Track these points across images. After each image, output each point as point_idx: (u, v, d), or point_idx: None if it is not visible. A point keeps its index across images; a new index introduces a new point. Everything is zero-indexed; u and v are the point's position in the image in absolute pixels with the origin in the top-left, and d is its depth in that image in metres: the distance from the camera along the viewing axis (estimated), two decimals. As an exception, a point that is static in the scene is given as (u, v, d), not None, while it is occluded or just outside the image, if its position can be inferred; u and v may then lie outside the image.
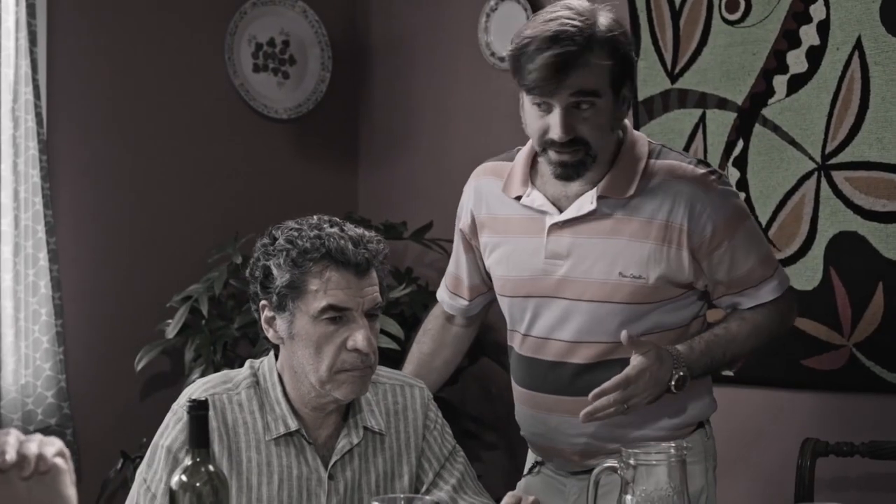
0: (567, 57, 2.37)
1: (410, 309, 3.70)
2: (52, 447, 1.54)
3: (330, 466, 2.31)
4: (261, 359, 2.41)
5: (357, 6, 4.34)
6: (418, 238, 3.79)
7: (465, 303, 2.80)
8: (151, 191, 3.98)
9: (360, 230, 2.31)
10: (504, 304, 2.67)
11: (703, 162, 2.56)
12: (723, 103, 3.30)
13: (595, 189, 2.48)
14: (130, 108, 3.96)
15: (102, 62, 3.91)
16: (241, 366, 2.46)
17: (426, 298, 3.61)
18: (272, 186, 4.17)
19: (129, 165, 3.95)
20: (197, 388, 2.35)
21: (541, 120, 2.43)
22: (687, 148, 3.34)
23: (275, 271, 2.29)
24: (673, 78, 3.39)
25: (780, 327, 2.60)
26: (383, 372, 2.45)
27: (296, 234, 2.29)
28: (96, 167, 3.89)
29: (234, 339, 3.77)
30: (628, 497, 2.08)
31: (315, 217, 2.34)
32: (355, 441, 2.33)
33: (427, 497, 2.10)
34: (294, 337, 2.29)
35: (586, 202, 2.49)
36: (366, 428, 2.35)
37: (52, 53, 3.79)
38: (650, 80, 3.43)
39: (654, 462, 2.04)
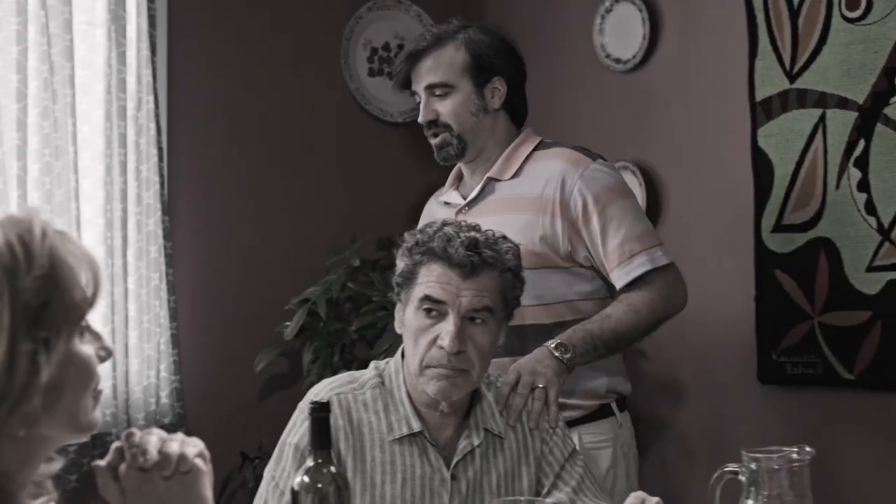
0: (419, 51, 2.85)
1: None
2: (193, 448, 1.56)
3: (452, 466, 2.33)
4: (386, 360, 2.44)
5: (471, 9, 4.35)
6: (534, 240, 3.78)
7: None
8: (268, 195, 4.03)
9: (485, 237, 2.34)
10: None
11: (586, 149, 2.88)
12: (843, 103, 3.24)
13: (486, 175, 2.86)
14: (247, 114, 4.02)
15: (220, 69, 3.97)
16: (358, 368, 2.50)
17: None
18: (388, 189, 4.19)
19: (245, 170, 4.00)
20: (323, 387, 2.39)
21: (419, 111, 2.89)
22: (806, 149, 3.28)
23: (397, 262, 2.39)
24: (792, 78, 3.34)
25: (663, 306, 2.78)
26: (502, 375, 2.47)
27: (420, 229, 2.36)
28: (213, 172, 3.95)
29: (352, 342, 3.80)
30: (749, 501, 2.06)
31: (452, 220, 2.41)
32: (476, 442, 2.35)
33: (548, 500, 2.11)
34: (405, 327, 2.35)
35: (476, 186, 2.88)
36: (486, 429, 2.37)
37: (172, 62, 3.85)
38: (768, 80, 3.38)
39: (775, 466, 2.02)
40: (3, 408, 1.36)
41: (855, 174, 3.22)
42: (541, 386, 2.48)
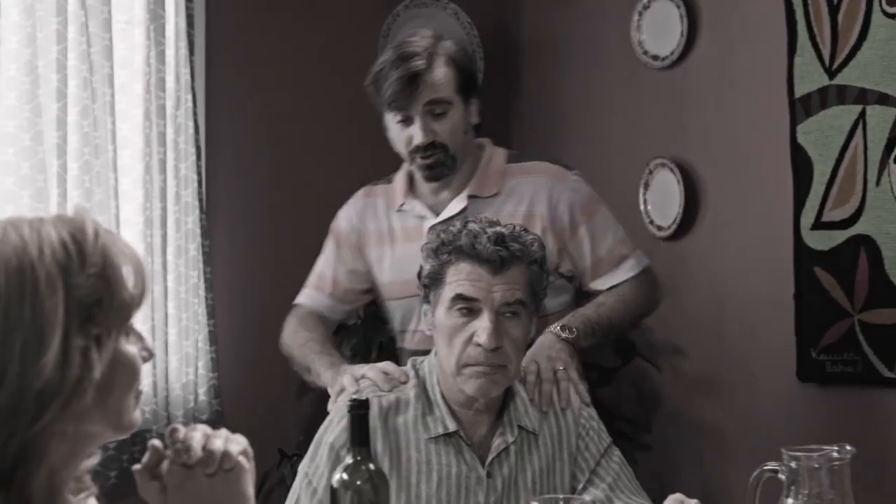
0: (417, 70, 2.76)
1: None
2: (237, 445, 1.57)
3: (487, 464, 2.33)
4: (421, 359, 2.44)
5: (508, 7, 4.35)
6: (571, 238, 3.78)
7: (337, 304, 3.05)
8: (305, 193, 4.04)
9: (509, 230, 2.34)
10: (393, 307, 2.95)
11: (553, 159, 2.94)
12: (884, 99, 3.21)
13: (466, 190, 2.84)
14: (284, 112, 4.02)
15: (257, 68, 3.98)
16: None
17: (579, 297, 3.60)
18: (425, 187, 4.19)
19: (283, 169, 4.01)
20: (368, 388, 2.40)
21: (404, 132, 2.81)
22: (846, 145, 3.26)
23: (423, 264, 2.38)
24: (831, 74, 3.32)
25: (647, 302, 2.91)
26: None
27: (444, 228, 2.36)
28: (251, 171, 3.96)
29: (390, 339, 3.79)
30: (789, 500, 2.05)
31: (476, 217, 2.40)
32: (510, 440, 2.35)
33: (585, 497, 2.11)
34: (435, 328, 2.35)
35: (459, 202, 2.84)
36: (520, 426, 2.37)
37: (210, 61, 3.87)
38: (807, 76, 3.36)
39: (815, 465, 2.00)
40: (57, 402, 1.37)
41: None
42: (560, 368, 2.51)
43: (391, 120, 2.85)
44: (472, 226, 2.34)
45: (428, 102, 2.78)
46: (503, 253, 2.30)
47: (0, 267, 1.40)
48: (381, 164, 4.13)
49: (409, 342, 2.93)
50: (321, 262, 3.05)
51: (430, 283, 2.37)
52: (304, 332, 2.94)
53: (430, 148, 2.79)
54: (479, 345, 2.28)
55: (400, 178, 2.96)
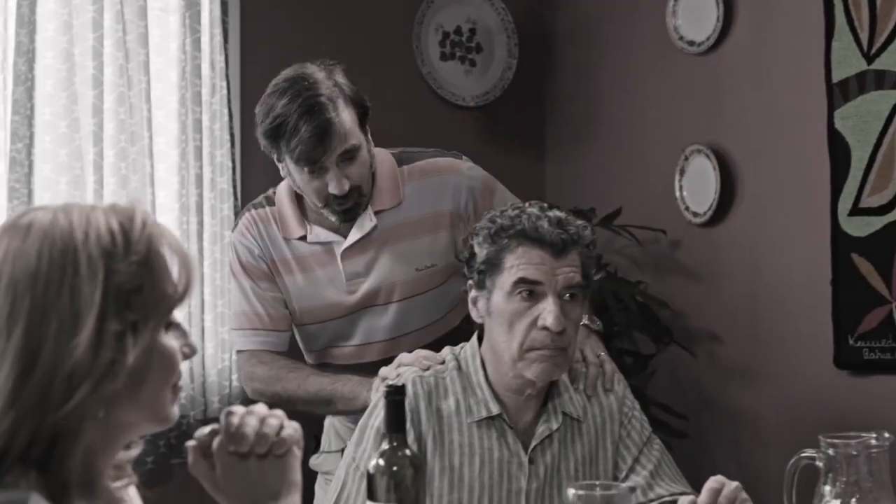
0: (326, 126, 2.64)
1: (599, 295, 3.68)
2: (290, 430, 1.58)
3: (530, 450, 2.33)
4: (461, 345, 2.44)
5: (543, -8, 4.34)
6: (607, 224, 3.77)
7: (284, 333, 2.91)
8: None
9: (564, 214, 2.34)
10: (316, 330, 2.88)
11: (440, 151, 2.90)
12: (923, 84, 3.19)
13: (369, 207, 2.77)
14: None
15: (291, 54, 3.95)
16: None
17: (615, 285, 3.59)
18: (460, 174, 4.19)
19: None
20: (409, 370, 2.41)
21: (315, 182, 2.70)
22: (884, 131, 3.23)
23: (476, 250, 2.34)
24: (869, 59, 3.29)
25: None
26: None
27: (498, 213, 2.34)
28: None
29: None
30: (826, 487, 2.04)
31: (527, 202, 2.39)
32: (555, 426, 2.35)
33: (624, 484, 2.10)
34: (491, 314, 2.33)
35: (366, 221, 2.78)
36: (565, 413, 2.37)
37: (245, 48, 3.87)
38: (844, 61, 3.33)
39: (853, 452, 1.99)
40: (87, 384, 1.39)
41: (934, 157, 3.17)
42: (603, 353, 2.52)
43: (296, 170, 2.72)
44: (531, 209, 2.33)
45: (341, 154, 2.68)
46: (564, 236, 2.29)
47: (45, 249, 1.42)
48: (419, 145, 4.12)
49: (334, 358, 2.90)
50: (241, 304, 2.88)
51: (487, 268, 2.33)
52: (285, 372, 2.83)
53: (348, 194, 2.71)
54: (544, 328, 2.27)
55: (286, 204, 2.85)
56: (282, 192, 2.87)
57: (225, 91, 3.69)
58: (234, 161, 3.73)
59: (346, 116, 2.69)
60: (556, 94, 4.32)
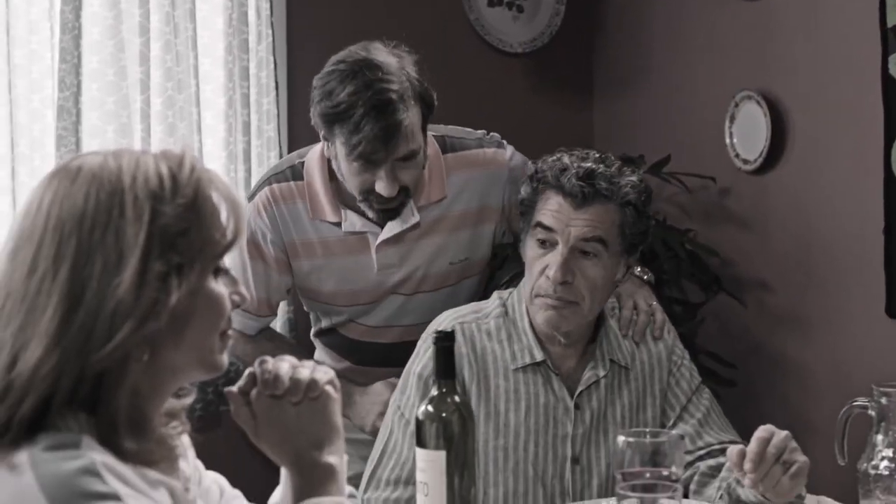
0: (395, 127, 2.48)
1: (648, 244, 3.65)
2: (324, 374, 1.59)
3: (576, 396, 2.34)
4: (510, 290, 2.45)
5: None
6: (656, 171, 3.73)
7: (272, 318, 2.91)
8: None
9: (603, 169, 2.32)
10: (326, 308, 2.84)
11: (484, 139, 2.79)
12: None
13: (411, 202, 2.65)
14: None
15: (337, 2, 3.97)
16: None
17: (664, 233, 3.57)
18: (507, 121, 4.15)
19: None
20: (447, 317, 2.42)
21: (363, 175, 2.53)
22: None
23: (521, 191, 2.42)
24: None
25: None
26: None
27: (543, 159, 2.37)
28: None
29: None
30: (879, 436, 2.03)
31: (573, 150, 2.40)
32: (602, 373, 2.36)
33: (672, 431, 2.10)
34: (525, 256, 2.34)
35: (409, 216, 2.66)
36: (612, 360, 2.37)
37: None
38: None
39: (907, 400, 1.98)
40: (130, 323, 1.39)
41: None
42: (654, 303, 2.54)
43: (344, 158, 2.56)
44: (565, 158, 2.35)
45: (400, 158, 2.56)
46: (587, 189, 2.29)
47: (93, 191, 1.43)
48: (466, 95, 4.11)
49: (349, 331, 2.87)
50: (248, 284, 2.73)
51: (525, 210, 2.39)
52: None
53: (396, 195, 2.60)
54: (549, 277, 2.29)
55: (318, 183, 2.70)
56: (313, 166, 2.71)
57: (271, 38, 3.67)
58: (278, 108, 3.72)
59: (413, 116, 2.54)
60: (604, 39, 4.28)
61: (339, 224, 2.69)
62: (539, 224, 2.33)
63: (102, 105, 3.42)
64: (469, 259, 2.79)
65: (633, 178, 2.36)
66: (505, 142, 2.83)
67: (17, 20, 3.37)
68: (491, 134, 2.86)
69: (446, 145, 2.76)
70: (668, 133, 3.99)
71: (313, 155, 2.70)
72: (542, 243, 2.33)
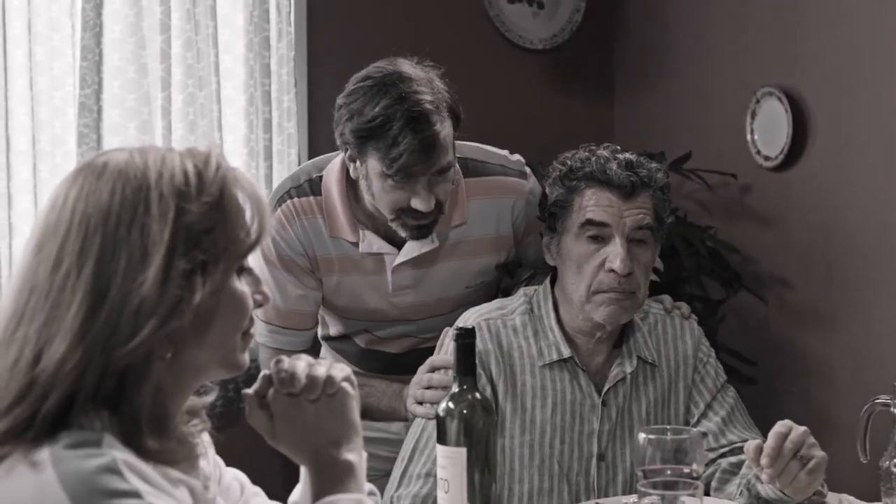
0: (433, 138, 2.39)
1: (668, 240, 3.65)
2: (340, 371, 1.58)
3: (603, 392, 2.34)
4: (534, 287, 2.45)
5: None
6: (677, 168, 3.73)
7: (313, 332, 2.78)
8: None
9: (636, 157, 2.33)
10: (335, 318, 2.77)
11: (504, 165, 2.68)
12: None
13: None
14: (385, 43, 3.95)
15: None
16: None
17: (685, 230, 3.56)
18: (527, 117, 4.16)
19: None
20: (471, 314, 2.42)
21: (396, 193, 2.45)
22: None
23: (548, 192, 2.38)
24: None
25: None
26: (652, 302, 2.46)
27: (569, 156, 2.35)
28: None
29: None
30: (902, 434, 2.02)
31: (601, 145, 2.38)
32: (629, 370, 2.36)
33: (694, 429, 2.10)
34: (562, 256, 2.35)
35: (427, 240, 2.57)
36: (639, 357, 2.37)
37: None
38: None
39: (929, 398, 1.97)
40: (154, 320, 1.39)
41: None
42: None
43: (378, 177, 2.47)
44: (601, 152, 2.34)
45: (437, 171, 2.46)
46: (633, 178, 2.30)
47: (118, 187, 1.43)
48: (485, 91, 4.11)
49: (357, 337, 2.80)
50: (273, 295, 2.49)
51: (557, 210, 2.35)
52: None
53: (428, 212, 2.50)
54: (611, 270, 2.29)
55: (336, 200, 2.62)
56: (330, 182, 2.63)
57: (292, 35, 3.68)
58: (298, 105, 3.72)
59: (448, 128, 2.46)
60: (624, 35, 4.27)
61: (356, 244, 2.63)
62: (589, 222, 2.30)
63: (123, 102, 3.43)
64: (485, 280, 2.72)
65: (657, 164, 2.38)
66: (528, 170, 2.74)
67: (38, 17, 3.39)
68: (515, 157, 2.76)
69: (468, 169, 2.66)
70: (689, 129, 3.98)
71: (331, 170, 2.63)
72: (595, 239, 2.31)
